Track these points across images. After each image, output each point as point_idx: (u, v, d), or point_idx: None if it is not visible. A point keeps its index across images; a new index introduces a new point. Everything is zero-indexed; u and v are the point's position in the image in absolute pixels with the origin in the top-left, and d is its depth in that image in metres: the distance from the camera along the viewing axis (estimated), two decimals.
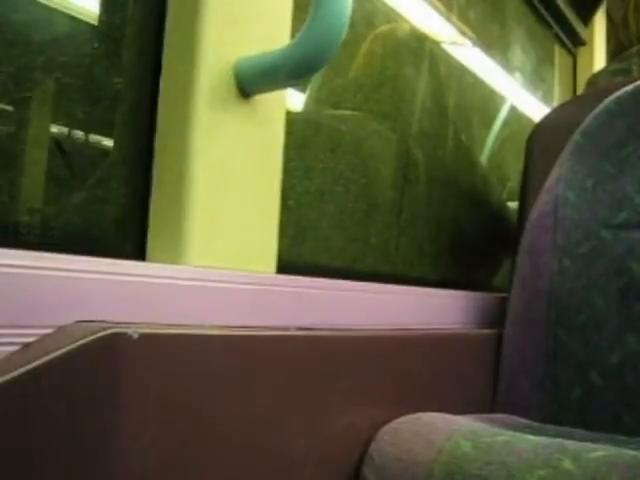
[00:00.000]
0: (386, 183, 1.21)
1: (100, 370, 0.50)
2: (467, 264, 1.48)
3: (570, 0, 1.99)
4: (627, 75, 1.26)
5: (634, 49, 1.31)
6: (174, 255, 0.67)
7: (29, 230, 0.63)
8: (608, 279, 1.00)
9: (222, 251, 0.71)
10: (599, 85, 1.35)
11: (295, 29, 0.79)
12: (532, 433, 0.78)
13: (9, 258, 0.51)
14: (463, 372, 1.01)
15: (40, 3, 0.67)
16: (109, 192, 0.72)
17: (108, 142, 0.75)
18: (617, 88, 1.09)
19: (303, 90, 1.07)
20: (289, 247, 0.92)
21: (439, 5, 1.39)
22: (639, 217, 1.01)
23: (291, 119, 0.82)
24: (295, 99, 1.06)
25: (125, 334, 0.52)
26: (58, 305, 0.53)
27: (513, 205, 1.58)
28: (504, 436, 0.74)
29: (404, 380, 0.85)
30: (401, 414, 0.81)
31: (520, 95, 1.83)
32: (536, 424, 0.97)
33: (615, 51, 1.39)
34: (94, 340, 0.49)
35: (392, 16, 1.26)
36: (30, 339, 0.50)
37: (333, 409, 0.73)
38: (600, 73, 1.40)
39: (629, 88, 1.07)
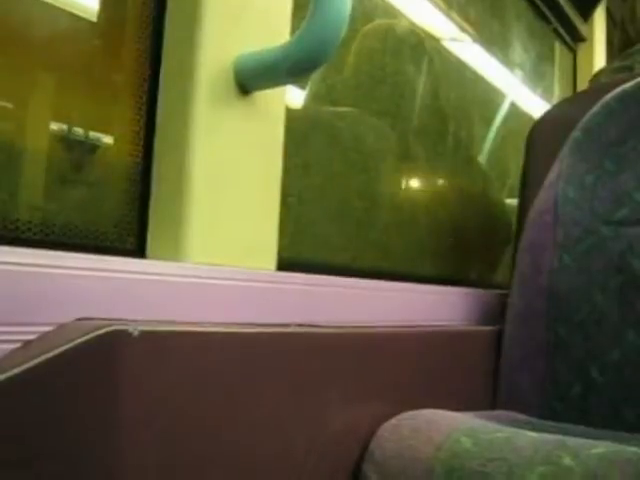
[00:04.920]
0: (385, 180, 1.21)
1: (101, 367, 0.50)
2: (467, 261, 1.48)
3: None
4: (630, 72, 1.26)
5: (638, 46, 1.31)
6: (174, 252, 0.67)
7: (29, 227, 0.63)
8: (608, 275, 1.00)
9: (222, 248, 0.71)
10: (602, 82, 1.34)
11: (295, 26, 0.79)
12: (532, 429, 0.78)
13: (10, 256, 0.51)
14: (463, 369, 1.01)
15: (39, 0, 0.67)
16: (109, 189, 0.72)
17: (108, 139, 0.75)
18: (617, 85, 1.09)
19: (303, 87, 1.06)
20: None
21: (439, 2, 1.39)
22: (639, 214, 1.01)
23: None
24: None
25: (125, 331, 0.52)
26: (59, 302, 0.53)
27: (513, 202, 1.58)
28: (504, 433, 0.74)
29: (404, 377, 0.86)
30: (401, 411, 0.81)
31: (520, 91, 1.82)
32: (536, 420, 0.97)
33: (621, 47, 1.39)
34: (94, 337, 0.49)
35: (392, 13, 1.26)
36: (31, 337, 0.51)
37: (334, 405, 0.73)
38: (604, 70, 1.40)
39: (629, 85, 1.07)
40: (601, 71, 1.43)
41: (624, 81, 1.09)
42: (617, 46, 1.41)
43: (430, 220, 1.33)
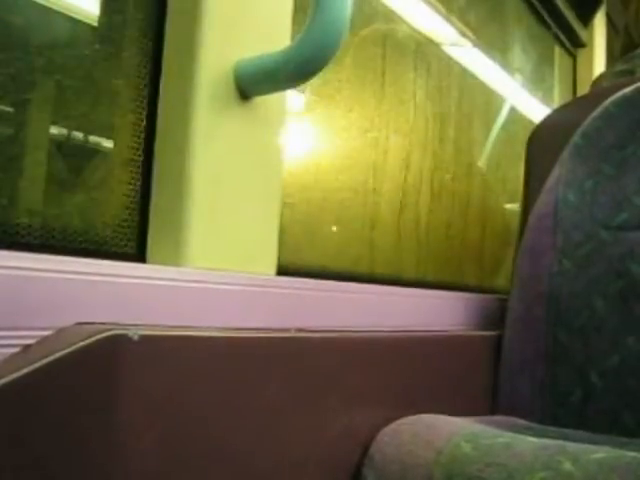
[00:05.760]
0: (389, 186, 1.21)
1: (100, 372, 0.50)
2: (470, 266, 1.48)
3: (570, 1, 1.99)
4: (631, 76, 1.26)
5: (639, 50, 1.31)
6: (175, 257, 0.67)
7: (29, 232, 0.63)
8: (608, 280, 1.00)
9: (222, 253, 0.71)
10: (602, 87, 1.34)
11: (295, 31, 0.79)
12: (532, 435, 0.78)
13: (9, 260, 0.51)
14: (463, 374, 1.01)
15: (39, 4, 0.67)
16: (109, 194, 0.72)
17: (108, 143, 0.75)
18: (617, 89, 1.09)
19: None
20: None
21: (439, 6, 1.39)
22: (639, 218, 1.01)
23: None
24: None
25: (125, 336, 0.52)
26: (59, 307, 0.53)
27: (515, 206, 1.58)
28: (504, 438, 0.74)
29: (404, 381, 0.85)
30: (401, 415, 0.81)
31: (520, 96, 1.82)
32: (536, 426, 0.97)
33: (623, 52, 1.38)
34: (94, 342, 0.49)
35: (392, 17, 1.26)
36: (31, 341, 0.51)
37: (334, 410, 0.73)
38: (605, 74, 1.40)
39: (628, 90, 1.07)
40: (603, 75, 1.43)
41: (625, 85, 1.10)
42: (619, 50, 1.40)
43: (432, 224, 1.33)
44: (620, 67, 1.33)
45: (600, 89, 1.34)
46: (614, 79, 1.31)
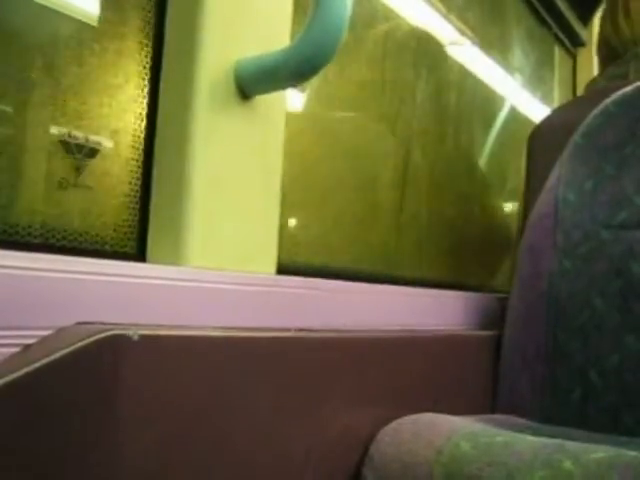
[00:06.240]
0: (386, 184, 1.21)
1: (100, 371, 0.50)
2: (470, 265, 1.48)
3: (570, 1, 1.99)
4: (624, 79, 1.26)
5: (630, 54, 1.31)
6: (175, 257, 0.67)
7: (29, 232, 0.63)
8: (608, 280, 1.00)
9: (222, 252, 0.71)
10: (600, 86, 1.34)
11: (295, 31, 0.79)
12: (532, 434, 0.78)
13: (10, 259, 0.51)
14: (463, 373, 1.01)
15: (38, 4, 0.67)
16: (109, 193, 0.72)
17: (108, 143, 0.75)
18: (616, 89, 1.09)
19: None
20: None
21: (439, 5, 1.39)
22: (638, 217, 1.01)
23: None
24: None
25: (125, 335, 0.52)
26: (59, 306, 0.53)
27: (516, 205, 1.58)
28: (504, 437, 0.74)
29: (404, 381, 0.86)
30: (401, 415, 0.81)
31: (520, 96, 1.82)
32: (536, 424, 0.97)
33: (607, 57, 1.37)
34: (94, 341, 0.49)
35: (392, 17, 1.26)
36: (31, 340, 0.51)
37: (333, 410, 0.73)
38: (598, 78, 1.40)
39: (628, 89, 1.07)
40: (596, 79, 1.42)
41: (623, 86, 1.10)
42: (603, 58, 1.39)
43: (433, 224, 1.34)
44: (613, 71, 1.33)
45: (599, 88, 1.34)
46: (608, 83, 1.31)
